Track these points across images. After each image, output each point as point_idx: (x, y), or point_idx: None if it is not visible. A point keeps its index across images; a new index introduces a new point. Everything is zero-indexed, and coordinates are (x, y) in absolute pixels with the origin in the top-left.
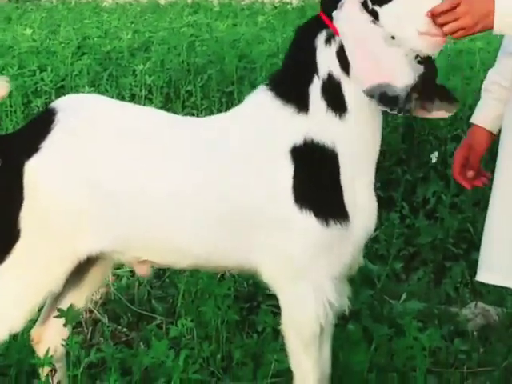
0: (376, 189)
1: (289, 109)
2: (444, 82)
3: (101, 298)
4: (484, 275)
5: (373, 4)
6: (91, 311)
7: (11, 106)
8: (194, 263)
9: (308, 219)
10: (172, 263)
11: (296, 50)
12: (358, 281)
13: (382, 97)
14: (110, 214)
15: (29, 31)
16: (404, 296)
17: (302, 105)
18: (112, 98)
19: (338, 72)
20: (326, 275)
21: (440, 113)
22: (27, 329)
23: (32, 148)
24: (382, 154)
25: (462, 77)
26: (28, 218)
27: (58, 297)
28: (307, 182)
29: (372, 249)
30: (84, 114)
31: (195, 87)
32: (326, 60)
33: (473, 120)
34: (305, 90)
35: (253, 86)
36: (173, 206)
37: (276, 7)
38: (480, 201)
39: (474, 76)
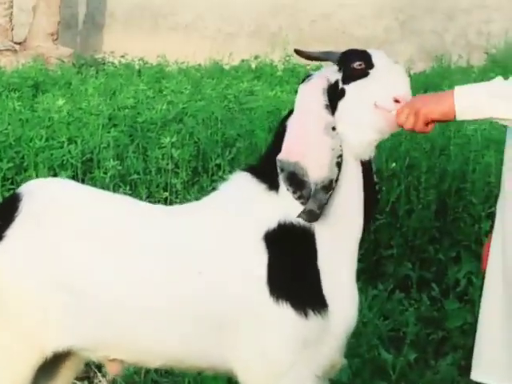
0: (407, 269)
1: (261, 188)
2: (478, 158)
3: None
4: (479, 375)
5: (343, 83)
6: None
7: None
8: (167, 363)
9: (285, 312)
10: (143, 363)
11: (276, 130)
12: (369, 371)
13: (291, 176)
14: (76, 311)
15: (61, 101)
16: None
17: (274, 182)
18: (138, 171)
19: None
20: (308, 375)
21: None
22: None
23: None
24: (414, 231)
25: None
26: None
27: None
28: (282, 271)
29: (399, 333)
30: (49, 202)
31: (224, 160)
32: None
33: None
34: (276, 169)
35: None
36: (142, 306)
37: None
38: None
39: None
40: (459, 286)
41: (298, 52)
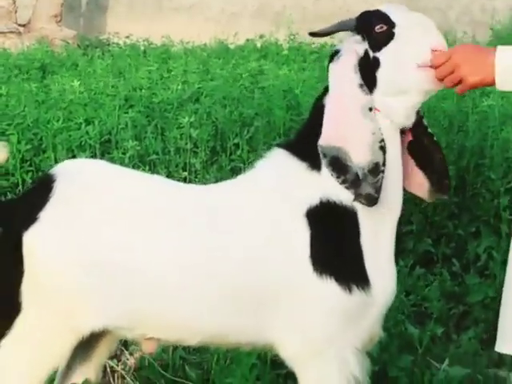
0: (427, 244)
1: (302, 167)
2: (496, 134)
3: (135, 363)
4: (503, 346)
5: (373, 52)
6: (123, 377)
7: (56, 161)
8: (205, 340)
9: (329, 287)
10: (181, 340)
11: (312, 108)
12: (397, 345)
13: (334, 161)
14: (112, 290)
15: (76, 83)
16: (446, 361)
17: (315, 162)
18: (157, 152)
19: None
20: (350, 347)
21: (421, 192)
22: None
23: (30, 218)
24: (433, 208)
25: None
26: (28, 291)
27: (66, 372)
28: (325, 247)
29: (421, 308)
30: (82, 182)
31: (242, 140)
32: None
33: None
34: (315, 148)
35: None
36: (179, 282)
37: None
38: None
39: None
40: (480, 260)
41: (312, 34)
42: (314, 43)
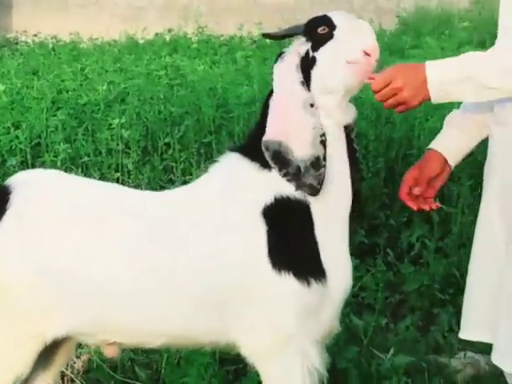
0: (360, 235)
1: (254, 167)
2: (422, 124)
3: (83, 366)
4: (465, 332)
5: (313, 52)
6: (73, 380)
7: None
8: (167, 342)
9: (288, 283)
10: (143, 343)
11: (261, 109)
12: (344, 337)
13: (275, 154)
14: (71, 298)
15: (1, 87)
16: (392, 351)
17: (265, 161)
18: (89, 154)
19: None
20: (311, 340)
21: None
22: None
23: None
24: (365, 199)
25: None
26: None
27: (26, 380)
28: (282, 243)
29: (358, 298)
30: (37, 194)
31: (173, 139)
32: None
33: (431, 145)
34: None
35: (231, 136)
36: (134, 288)
37: (255, 41)
38: (465, 244)
39: None
40: (413, 249)
41: (265, 35)
42: (222, 35)
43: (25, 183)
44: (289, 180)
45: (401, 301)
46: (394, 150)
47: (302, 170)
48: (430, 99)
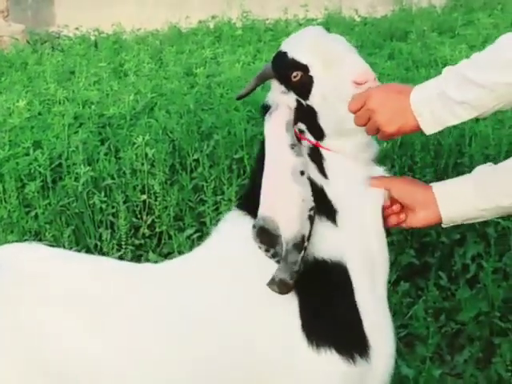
0: (410, 256)
1: None
2: (473, 129)
3: None
4: None
5: (304, 100)
6: None
7: (4, 193)
8: None
9: (330, 360)
10: None
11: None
12: None
13: (261, 232)
14: None
15: (21, 102)
16: None
17: None
18: (112, 175)
19: (315, 175)
20: None
21: None
22: None
23: None
24: None
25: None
26: None
27: None
28: (318, 314)
29: (408, 328)
30: (19, 276)
31: (202, 155)
32: None
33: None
34: None
35: None
36: (151, 374)
37: (301, 24)
38: None
39: (506, 118)
40: (468, 271)
41: (239, 98)
42: (267, 19)
43: (8, 262)
44: (278, 262)
45: (458, 330)
46: (442, 159)
47: (283, 254)
48: (411, 128)
